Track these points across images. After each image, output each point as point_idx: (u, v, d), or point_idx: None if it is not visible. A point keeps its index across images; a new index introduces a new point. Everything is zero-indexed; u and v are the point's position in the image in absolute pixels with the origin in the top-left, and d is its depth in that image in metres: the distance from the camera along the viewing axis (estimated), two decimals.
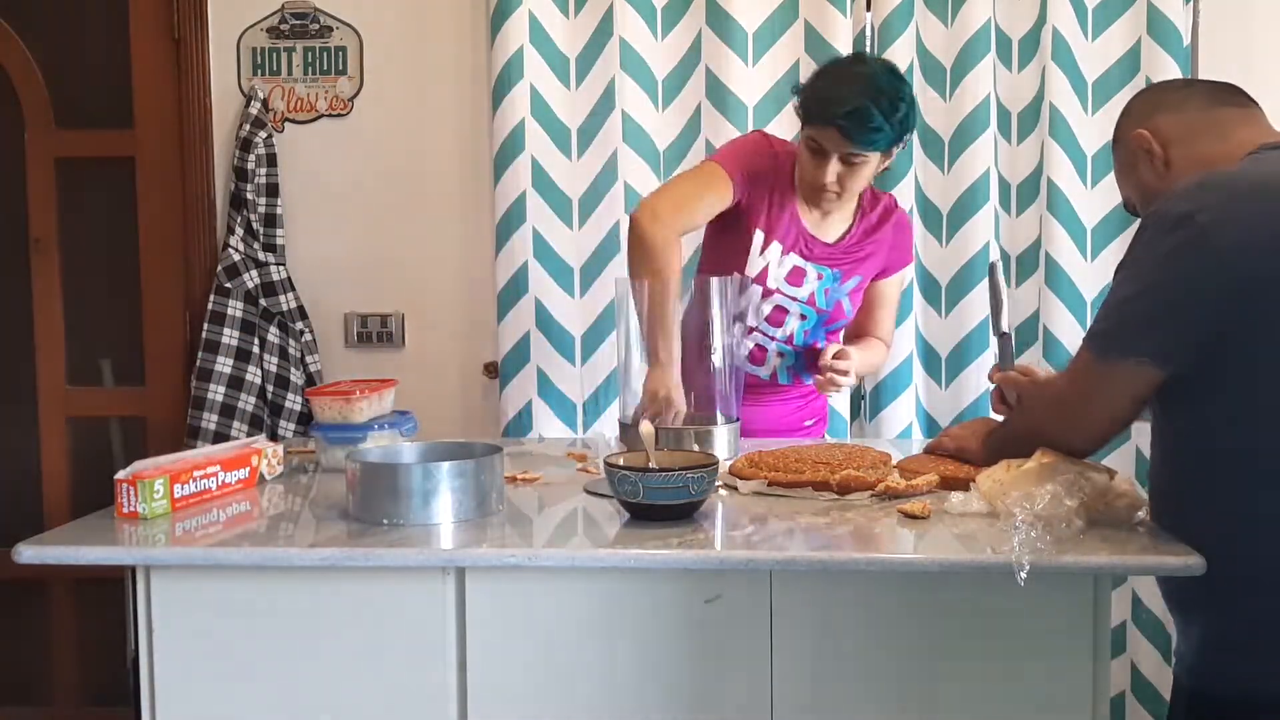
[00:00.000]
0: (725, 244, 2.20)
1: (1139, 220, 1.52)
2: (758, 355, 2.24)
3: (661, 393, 1.94)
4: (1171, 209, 1.41)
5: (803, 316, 2.23)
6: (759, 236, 2.16)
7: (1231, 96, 1.58)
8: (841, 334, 2.35)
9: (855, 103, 1.96)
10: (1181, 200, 1.41)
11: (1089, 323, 2.70)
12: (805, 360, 2.27)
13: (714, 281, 2.03)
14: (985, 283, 2.72)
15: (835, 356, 2.11)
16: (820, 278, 2.20)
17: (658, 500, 1.52)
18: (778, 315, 2.20)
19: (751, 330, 2.21)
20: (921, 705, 1.45)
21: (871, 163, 2.07)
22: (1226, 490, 1.41)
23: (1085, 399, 1.50)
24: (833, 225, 2.22)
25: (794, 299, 2.20)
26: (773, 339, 2.23)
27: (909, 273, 2.37)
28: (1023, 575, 1.31)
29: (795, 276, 2.20)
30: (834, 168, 2.04)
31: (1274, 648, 1.39)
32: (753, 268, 2.18)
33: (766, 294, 2.19)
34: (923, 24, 2.75)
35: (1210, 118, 1.56)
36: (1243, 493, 1.40)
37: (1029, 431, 1.60)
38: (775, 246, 2.17)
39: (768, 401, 2.27)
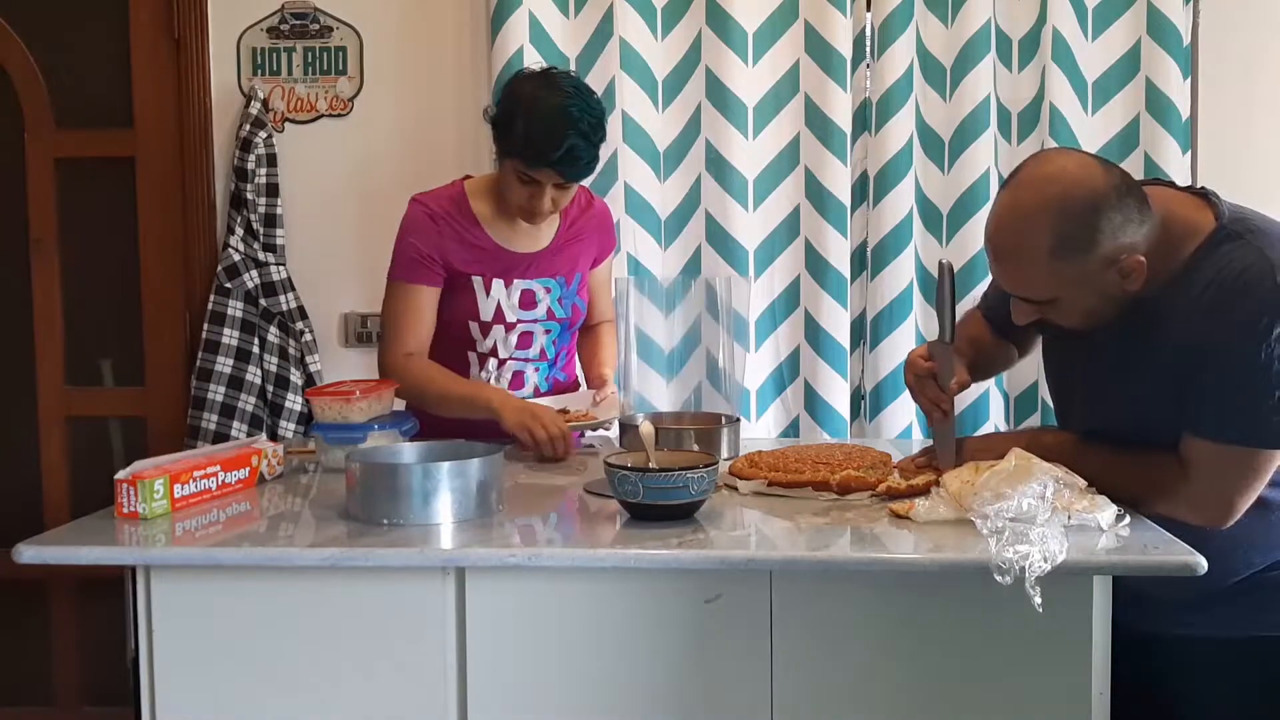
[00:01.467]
0: (451, 308, 2.20)
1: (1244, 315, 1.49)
2: (517, 381, 2.26)
3: (525, 418, 1.99)
4: None
5: (547, 331, 2.25)
6: (477, 282, 2.19)
7: (1139, 188, 1.57)
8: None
9: (568, 143, 2.00)
10: None
11: None
12: (556, 364, 2.31)
13: (717, 281, 2.05)
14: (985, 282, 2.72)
15: (597, 395, 2.18)
16: (549, 291, 2.23)
17: (658, 500, 1.52)
18: (525, 340, 2.23)
19: (504, 361, 2.23)
20: (921, 705, 1.45)
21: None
22: None
23: (1236, 491, 1.55)
24: (541, 231, 2.23)
25: (535, 320, 2.22)
26: (528, 360, 2.26)
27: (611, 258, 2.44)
28: (1006, 579, 1.32)
29: (527, 300, 2.21)
30: (550, 194, 2.09)
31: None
32: (487, 312, 2.20)
33: (510, 327, 2.21)
34: (923, 24, 2.75)
35: (1161, 216, 1.56)
36: None
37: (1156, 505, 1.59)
38: (497, 283, 2.19)
39: None
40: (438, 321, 2.20)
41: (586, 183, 2.28)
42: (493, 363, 2.22)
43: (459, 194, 2.22)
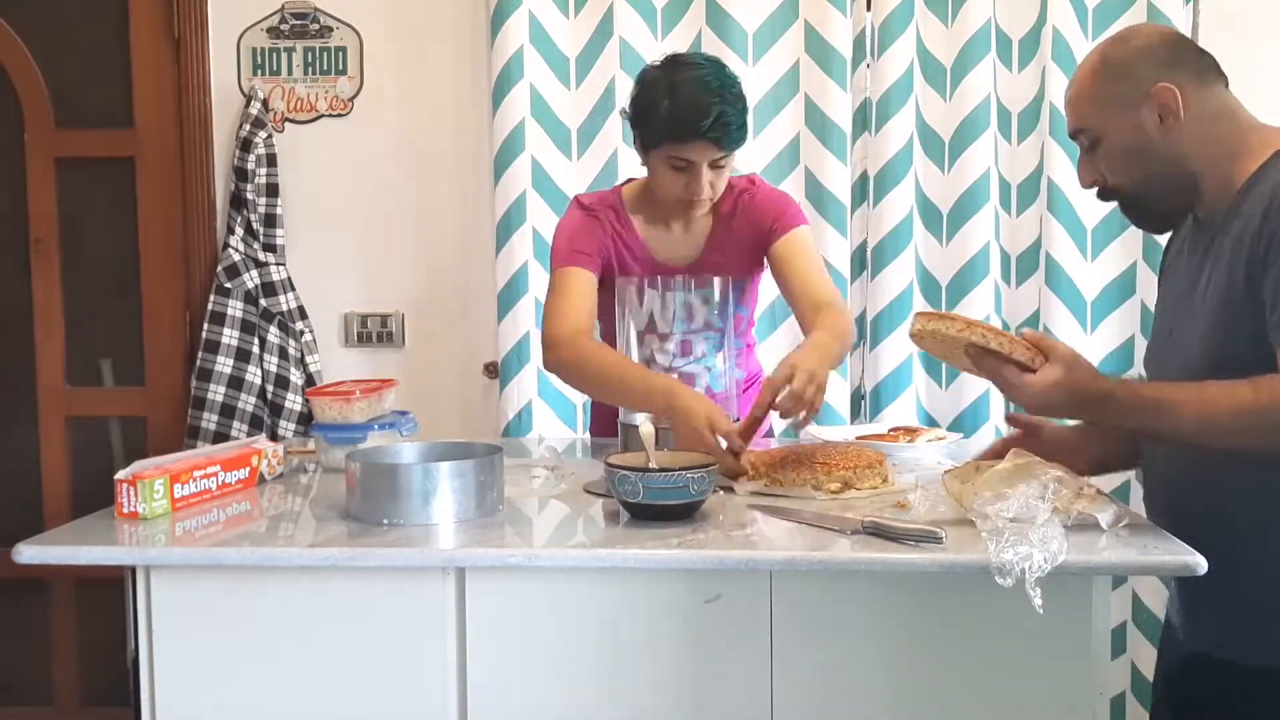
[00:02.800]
0: (606, 312, 2.15)
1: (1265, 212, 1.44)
2: (687, 384, 2.09)
3: (701, 413, 1.77)
4: None
5: (706, 339, 2.15)
6: (630, 292, 2.10)
7: (1214, 64, 1.59)
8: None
9: (715, 110, 1.92)
10: None
11: (1089, 323, 2.72)
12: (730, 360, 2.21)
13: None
14: (986, 282, 2.73)
15: (784, 398, 1.77)
16: (706, 301, 2.11)
17: (658, 500, 1.52)
18: (685, 348, 2.11)
19: (669, 369, 2.11)
20: (921, 705, 1.45)
21: (733, 159, 2.04)
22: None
23: None
24: (691, 238, 2.16)
25: (693, 331, 2.13)
26: (696, 361, 2.13)
27: (806, 232, 2.15)
28: (1007, 581, 1.31)
29: (684, 314, 2.11)
30: (706, 176, 2.00)
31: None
32: (640, 321, 2.10)
33: (664, 338, 2.11)
34: (923, 24, 2.75)
35: (1227, 102, 1.57)
36: None
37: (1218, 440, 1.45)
38: (650, 293, 2.10)
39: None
40: (605, 332, 2.12)
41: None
42: (655, 370, 2.06)
43: (616, 198, 2.18)
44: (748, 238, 2.14)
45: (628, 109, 2.07)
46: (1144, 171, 1.57)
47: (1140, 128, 1.55)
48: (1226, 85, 1.58)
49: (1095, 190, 1.64)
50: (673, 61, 2.04)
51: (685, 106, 1.93)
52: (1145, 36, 1.60)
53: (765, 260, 2.16)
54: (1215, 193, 1.55)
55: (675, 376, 2.02)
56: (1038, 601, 1.30)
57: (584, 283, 2.09)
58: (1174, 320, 1.63)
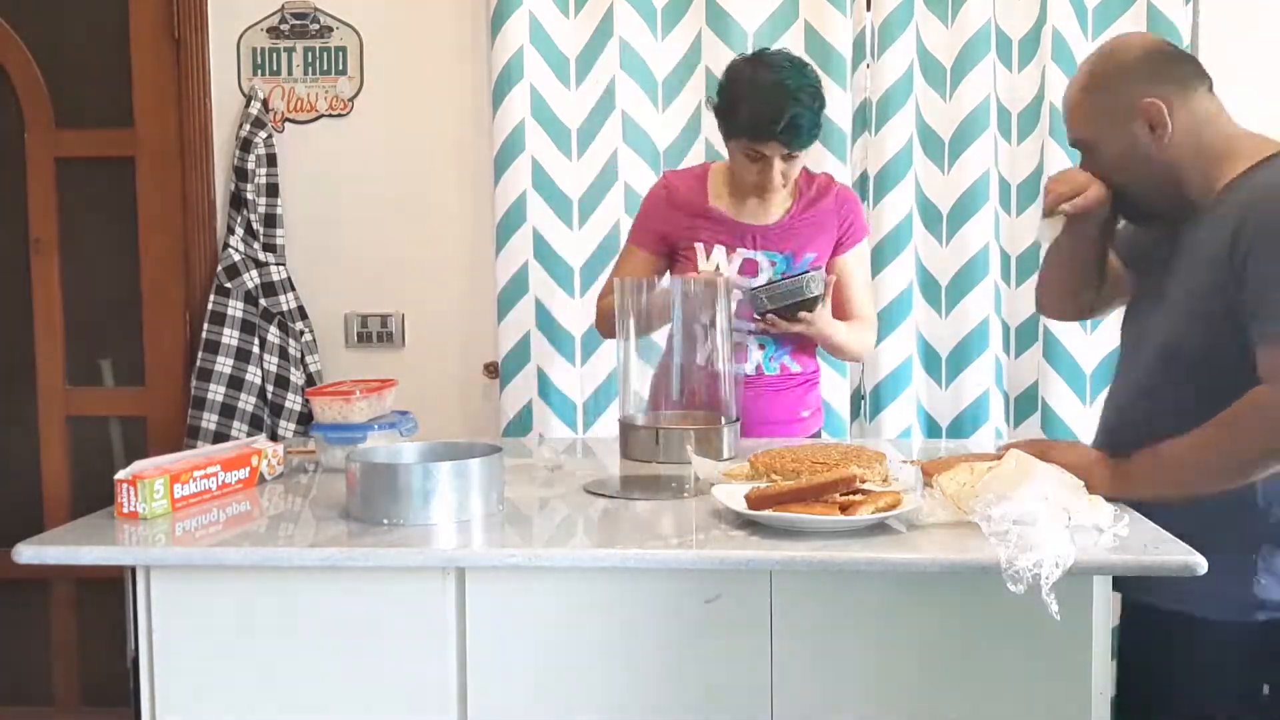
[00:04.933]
0: (678, 273, 2.27)
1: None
2: (740, 355, 2.25)
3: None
4: None
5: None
6: (699, 249, 2.25)
7: (1202, 72, 1.66)
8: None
9: (789, 112, 2.07)
10: None
11: (1088, 323, 2.71)
12: (785, 347, 2.29)
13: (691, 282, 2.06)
14: (985, 282, 2.72)
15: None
16: (773, 264, 2.25)
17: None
18: (745, 310, 2.22)
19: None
20: (921, 705, 1.45)
21: (807, 151, 2.21)
22: None
23: None
24: (772, 208, 2.27)
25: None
26: (749, 333, 2.26)
27: (866, 246, 2.40)
28: (1020, 588, 1.31)
29: (749, 268, 2.25)
30: (778, 168, 2.15)
31: None
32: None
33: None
34: (923, 24, 2.76)
35: (1209, 108, 1.64)
36: None
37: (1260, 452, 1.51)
38: (718, 250, 2.25)
39: (762, 394, 2.27)
40: None
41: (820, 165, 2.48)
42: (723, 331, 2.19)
43: (702, 172, 2.34)
44: (825, 224, 2.30)
45: (714, 98, 2.22)
46: (1137, 176, 1.67)
47: (1132, 138, 1.64)
48: (1210, 88, 1.65)
49: None
50: (757, 60, 2.18)
51: (762, 108, 2.09)
52: (1130, 49, 1.68)
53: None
54: (1196, 193, 1.63)
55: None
56: (1054, 608, 1.29)
57: (634, 258, 2.33)
58: (1144, 301, 1.75)
